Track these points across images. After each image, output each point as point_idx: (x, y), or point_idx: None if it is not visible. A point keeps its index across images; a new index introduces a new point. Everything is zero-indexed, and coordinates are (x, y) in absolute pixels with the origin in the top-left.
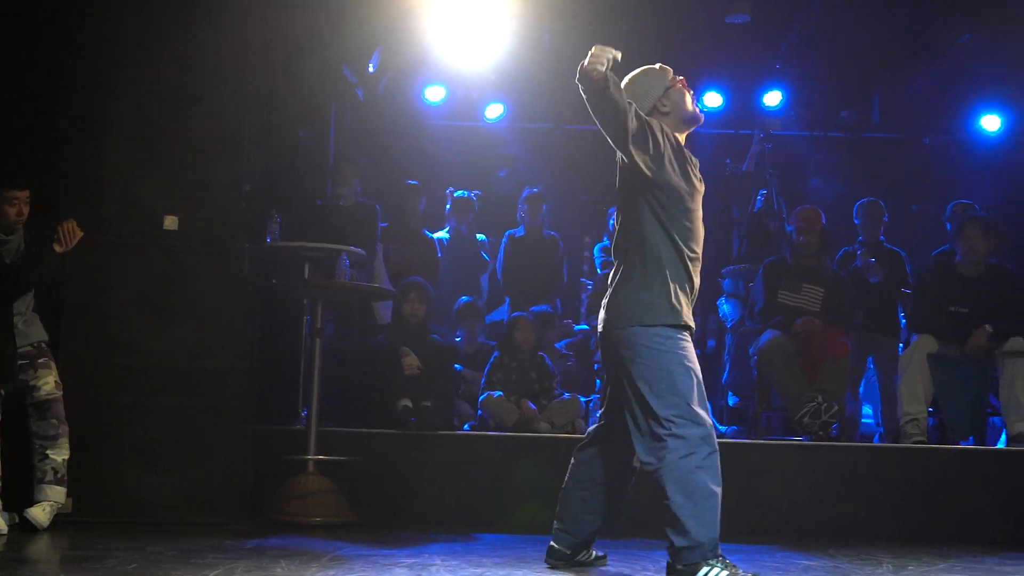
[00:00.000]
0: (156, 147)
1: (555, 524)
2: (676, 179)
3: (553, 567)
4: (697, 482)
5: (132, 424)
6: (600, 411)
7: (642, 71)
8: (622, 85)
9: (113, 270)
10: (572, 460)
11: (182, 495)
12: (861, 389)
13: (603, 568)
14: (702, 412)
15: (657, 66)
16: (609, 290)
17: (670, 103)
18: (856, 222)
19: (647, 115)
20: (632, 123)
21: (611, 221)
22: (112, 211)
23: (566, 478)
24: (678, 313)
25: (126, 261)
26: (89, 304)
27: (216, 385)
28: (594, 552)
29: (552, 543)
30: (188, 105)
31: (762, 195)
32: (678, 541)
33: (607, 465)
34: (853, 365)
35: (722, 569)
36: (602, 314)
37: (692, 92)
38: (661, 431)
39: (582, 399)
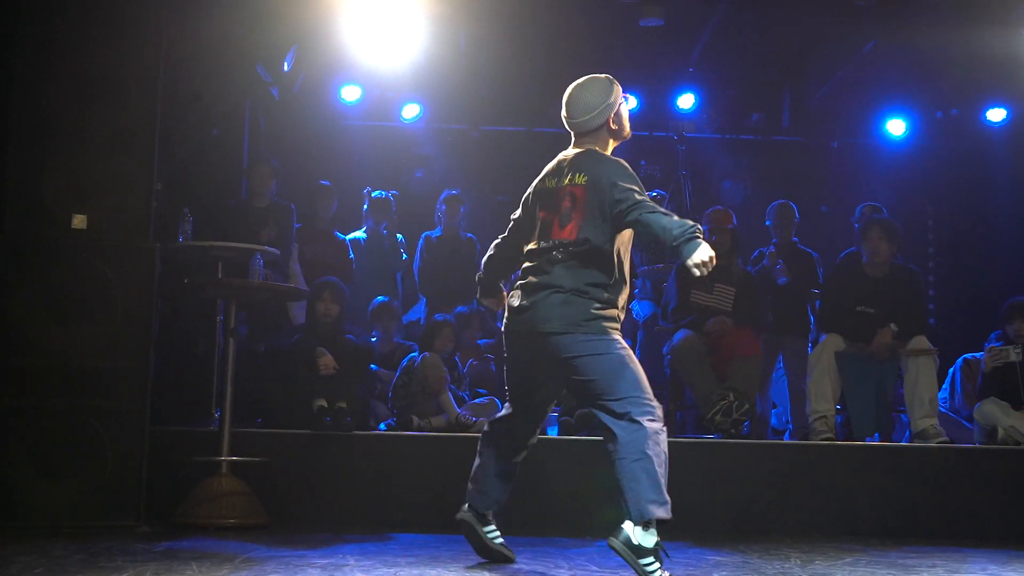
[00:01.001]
0: (59, 143)
1: (470, 487)
2: None
3: (465, 520)
4: (663, 460)
5: (23, 426)
6: (508, 404)
7: (606, 81)
8: (582, 86)
9: (13, 270)
10: (486, 429)
11: (78, 498)
12: (772, 388)
13: (516, 567)
14: (644, 391)
15: (610, 78)
16: (546, 294)
17: (619, 123)
18: (768, 224)
19: (596, 128)
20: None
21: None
22: (13, 209)
23: (481, 449)
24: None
25: (28, 260)
26: None
27: (110, 386)
28: (499, 535)
29: (469, 506)
30: (102, 101)
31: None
32: (655, 501)
33: (515, 447)
34: (763, 364)
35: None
36: (535, 314)
37: None
38: (622, 409)
39: (499, 403)
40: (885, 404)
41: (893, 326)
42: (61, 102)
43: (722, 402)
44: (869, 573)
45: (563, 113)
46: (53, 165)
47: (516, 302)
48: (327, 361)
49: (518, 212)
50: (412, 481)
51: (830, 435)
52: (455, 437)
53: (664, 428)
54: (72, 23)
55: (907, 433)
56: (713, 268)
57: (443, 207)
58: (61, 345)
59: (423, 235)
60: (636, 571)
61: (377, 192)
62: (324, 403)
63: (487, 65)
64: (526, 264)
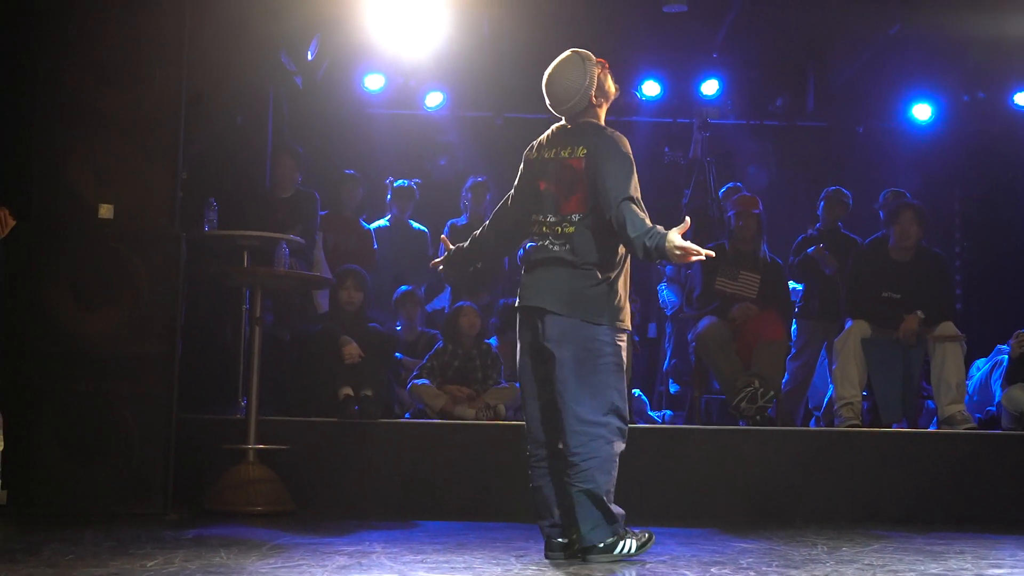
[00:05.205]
0: (84, 130)
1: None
2: None
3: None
4: (613, 469)
5: (50, 411)
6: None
7: (577, 59)
8: (557, 71)
9: (41, 257)
10: (540, 453)
11: (105, 484)
12: (819, 375)
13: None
14: (626, 406)
15: (580, 54)
16: (554, 272)
17: (602, 93)
18: (820, 206)
19: (584, 109)
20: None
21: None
22: (40, 196)
23: (539, 472)
24: (628, 318)
25: (55, 248)
26: (14, 291)
27: (137, 372)
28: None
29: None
30: (126, 87)
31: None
32: (609, 518)
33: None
34: (808, 353)
35: (628, 537)
36: (538, 292)
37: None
38: (595, 419)
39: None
40: (912, 390)
41: (920, 313)
42: (84, 88)
43: (747, 388)
44: (896, 559)
45: (547, 102)
46: (78, 152)
47: (525, 277)
48: (352, 349)
49: (514, 187)
50: (438, 469)
51: (856, 421)
52: (481, 425)
53: (616, 440)
54: (93, 7)
55: (934, 419)
56: (738, 255)
57: (469, 195)
58: (87, 331)
59: (448, 223)
60: (621, 560)
61: (400, 181)
62: (350, 391)
63: (510, 52)
64: (534, 238)
